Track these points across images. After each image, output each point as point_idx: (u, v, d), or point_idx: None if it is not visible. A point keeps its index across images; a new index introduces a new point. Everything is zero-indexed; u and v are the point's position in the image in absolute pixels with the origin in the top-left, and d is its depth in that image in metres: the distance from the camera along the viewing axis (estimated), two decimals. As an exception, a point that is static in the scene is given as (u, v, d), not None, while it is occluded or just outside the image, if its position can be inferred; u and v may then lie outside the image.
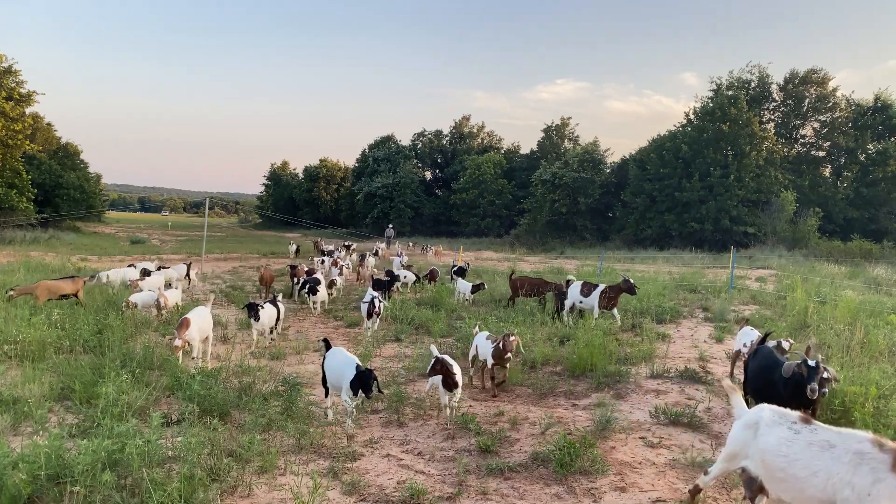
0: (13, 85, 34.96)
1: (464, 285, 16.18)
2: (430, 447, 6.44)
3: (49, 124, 58.95)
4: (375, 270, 21.97)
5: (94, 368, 7.93)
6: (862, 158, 42.90)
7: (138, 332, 10.95)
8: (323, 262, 22.29)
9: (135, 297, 12.32)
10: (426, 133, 68.78)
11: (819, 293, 15.10)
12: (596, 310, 12.42)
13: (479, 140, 68.28)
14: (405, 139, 69.12)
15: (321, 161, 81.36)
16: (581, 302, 12.74)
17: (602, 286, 12.73)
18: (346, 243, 33.25)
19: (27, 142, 36.53)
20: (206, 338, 9.72)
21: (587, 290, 12.73)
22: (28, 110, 37.60)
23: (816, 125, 45.39)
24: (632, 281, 12.68)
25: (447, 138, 68.94)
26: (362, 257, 23.89)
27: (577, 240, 45.80)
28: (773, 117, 46.50)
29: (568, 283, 13.44)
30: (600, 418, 6.84)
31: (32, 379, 7.78)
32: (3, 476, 4.72)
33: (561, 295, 13.44)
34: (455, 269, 18.72)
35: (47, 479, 4.86)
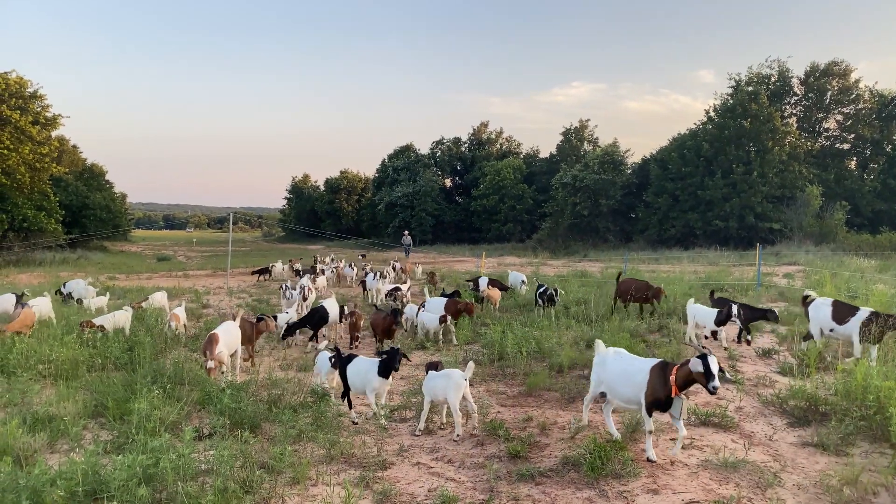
0: (39, 109, 35.66)
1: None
2: (460, 454, 6.44)
3: (74, 146, 60.13)
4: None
5: (125, 385, 8.06)
6: (888, 149, 42.16)
7: (168, 348, 11.10)
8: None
9: (101, 319, 11.81)
10: (444, 141, 68.86)
11: (849, 288, 14.86)
12: (856, 344, 9.00)
13: (498, 146, 68.18)
14: (424, 148, 69.37)
15: (342, 173, 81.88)
16: (832, 330, 9.40)
17: (865, 311, 9.07)
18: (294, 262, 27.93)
19: (54, 164, 37.21)
20: (235, 352, 9.82)
21: (842, 313, 9.30)
22: (54, 133, 38.35)
23: (840, 118, 44.70)
24: None
25: (466, 145, 68.92)
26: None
27: (599, 242, 45.51)
28: (794, 111, 45.89)
29: (806, 299, 10.27)
30: (630, 421, 6.80)
31: (67, 397, 7.93)
32: (42, 493, 4.82)
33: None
34: (542, 291, 14.71)
35: (85, 495, 4.96)
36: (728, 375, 5.63)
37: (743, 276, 20.49)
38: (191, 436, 5.61)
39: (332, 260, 29.14)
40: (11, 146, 32.54)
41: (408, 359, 7.76)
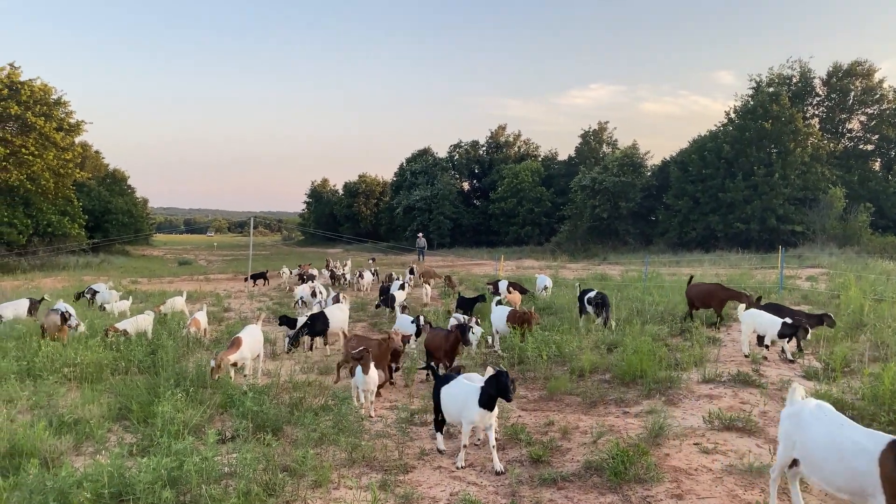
0: (63, 116, 36.21)
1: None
2: (482, 458, 6.43)
3: (97, 152, 61.01)
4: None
5: (149, 388, 8.13)
6: (913, 150, 41.61)
7: (190, 351, 11.19)
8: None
9: (124, 324, 11.82)
10: (462, 144, 68.89)
11: (875, 291, 14.64)
12: None
13: (516, 149, 68.07)
14: (442, 151, 69.41)
15: (360, 177, 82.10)
16: None
17: None
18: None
19: (77, 170, 37.80)
20: (258, 355, 9.89)
21: None
22: (77, 139, 38.91)
23: (863, 118, 44.11)
24: None
25: (483, 148, 68.91)
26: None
27: (619, 245, 45.25)
28: (817, 112, 45.34)
29: None
30: (653, 425, 6.73)
31: (91, 400, 8.03)
32: (69, 495, 4.87)
33: None
34: (590, 297, 13.05)
35: (111, 497, 5.01)
36: None
37: (765, 279, 20.27)
38: (214, 439, 5.65)
39: (344, 266, 28.06)
40: (36, 152, 33.10)
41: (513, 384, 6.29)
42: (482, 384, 6.18)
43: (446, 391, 6.50)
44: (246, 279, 25.67)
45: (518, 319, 11.29)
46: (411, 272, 23.29)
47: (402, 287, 17.48)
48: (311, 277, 22.96)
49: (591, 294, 13.00)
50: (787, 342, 9.88)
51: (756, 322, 10.17)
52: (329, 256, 35.94)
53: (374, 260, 34.70)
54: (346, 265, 28.11)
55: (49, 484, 4.92)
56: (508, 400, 6.08)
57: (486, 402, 6.04)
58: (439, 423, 6.74)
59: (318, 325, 11.89)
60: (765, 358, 9.89)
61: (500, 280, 18.07)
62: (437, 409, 6.66)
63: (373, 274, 24.15)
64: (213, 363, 8.67)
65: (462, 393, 6.30)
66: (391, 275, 22.50)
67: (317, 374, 10.15)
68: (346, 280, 24.74)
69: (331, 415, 7.34)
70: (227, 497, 5.05)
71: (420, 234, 42.43)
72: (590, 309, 12.88)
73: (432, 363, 7.30)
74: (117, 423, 7.54)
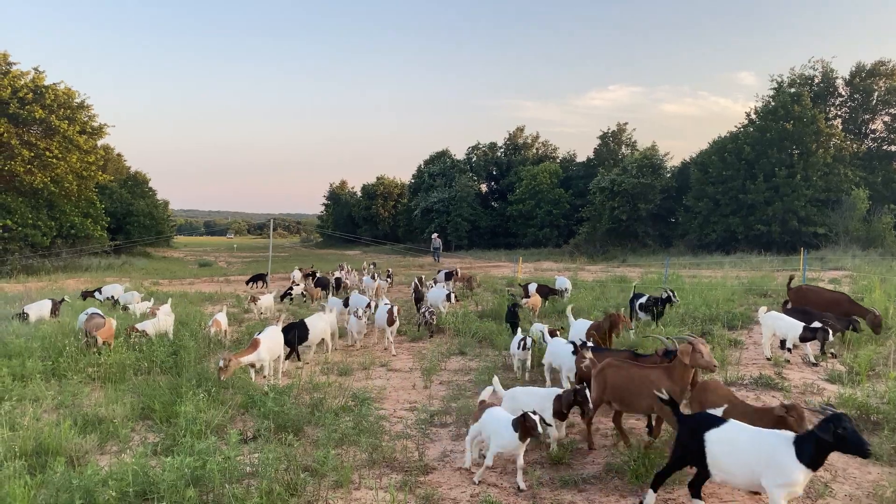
0: (86, 119, 36.67)
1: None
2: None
3: (119, 155, 61.68)
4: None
5: (171, 388, 8.22)
6: (938, 151, 40.93)
7: (211, 352, 11.30)
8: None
9: (145, 324, 11.72)
10: (480, 146, 68.83)
11: (900, 293, 14.43)
12: None
13: (534, 150, 67.94)
14: (459, 153, 69.41)
15: (378, 179, 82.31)
16: None
17: None
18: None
19: (100, 172, 38.21)
20: (278, 356, 9.96)
21: None
22: (100, 142, 39.38)
23: (887, 119, 43.44)
24: None
25: (501, 150, 68.86)
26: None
27: (638, 247, 44.95)
28: (839, 113, 44.72)
29: None
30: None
31: (115, 400, 8.12)
32: (94, 493, 4.94)
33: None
34: (643, 302, 12.67)
35: (135, 495, 5.08)
36: None
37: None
38: (236, 438, 5.70)
39: (355, 268, 27.34)
40: (60, 155, 33.53)
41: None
42: (799, 432, 4.41)
43: (722, 439, 4.57)
44: (247, 282, 25.03)
45: (603, 330, 9.74)
46: (448, 277, 20.27)
47: (448, 298, 15.87)
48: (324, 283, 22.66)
49: (643, 299, 12.84)
50: (824, 345, 9.80)
51: (776, 325, 10.05)
52: (344, 261, 35.78)
53: (374, 265, 33.72)
54: (363, 267, 28.04)
55: (75, 482, 4.99)
56: (866, 456, 4.19)
57: (814, 458, 4.17)
58: (697, 482, 4.77)
59: (295, 334, 11.14)
60: (787, 361, 9.79)
61: (529, 283, 17.92)
62: (685, 461, 4.82)
63: (386, 278, 23.28)
64: (220, 363, 8.64)
65: (759, 444, 4.37)
66: (421, 279, 19.68)
67: (336, 376, 10.19)
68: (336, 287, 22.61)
69: (351, 416, 7.39)
70: (250, 496, 5.09)
71: (435, 235, 42.11)
72: (641, 314, 12.79)
73: (674, 400, 5.39)
74: (141, 423, 7.63)
